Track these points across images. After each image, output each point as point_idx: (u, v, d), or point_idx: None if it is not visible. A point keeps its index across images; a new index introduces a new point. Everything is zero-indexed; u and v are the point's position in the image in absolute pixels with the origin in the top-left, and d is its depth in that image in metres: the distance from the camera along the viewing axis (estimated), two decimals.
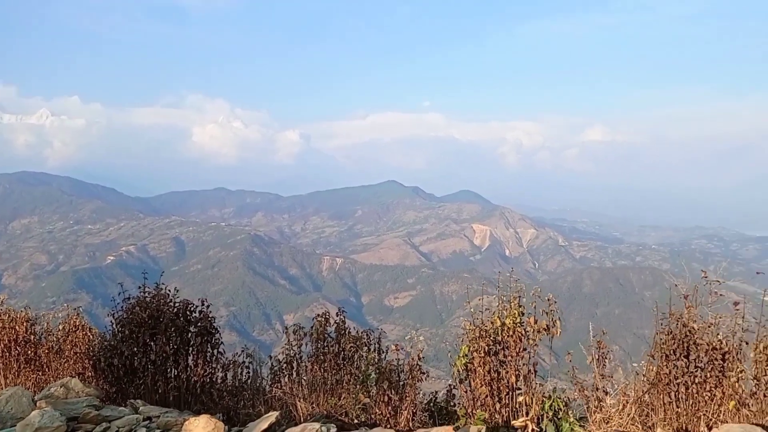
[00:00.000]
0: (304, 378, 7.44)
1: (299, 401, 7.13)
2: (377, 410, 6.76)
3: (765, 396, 6.19)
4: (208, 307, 7.88)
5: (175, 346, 7.69)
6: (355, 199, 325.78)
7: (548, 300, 6.83)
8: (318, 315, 7.43)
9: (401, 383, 6.89)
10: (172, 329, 7.69)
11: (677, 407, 6.37)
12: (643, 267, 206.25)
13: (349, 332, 7.37)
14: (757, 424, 5.93)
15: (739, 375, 6.17)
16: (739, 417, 6.11)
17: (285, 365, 7.62)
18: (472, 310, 7.06)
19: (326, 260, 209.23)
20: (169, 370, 7.70)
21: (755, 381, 6.32)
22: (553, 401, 6.64)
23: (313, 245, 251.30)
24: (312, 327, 7.52)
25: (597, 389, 6.86)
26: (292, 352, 7.60)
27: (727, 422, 6.14)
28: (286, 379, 7.57)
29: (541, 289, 7.10)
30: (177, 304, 7.84)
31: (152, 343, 7.69)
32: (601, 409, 6.79)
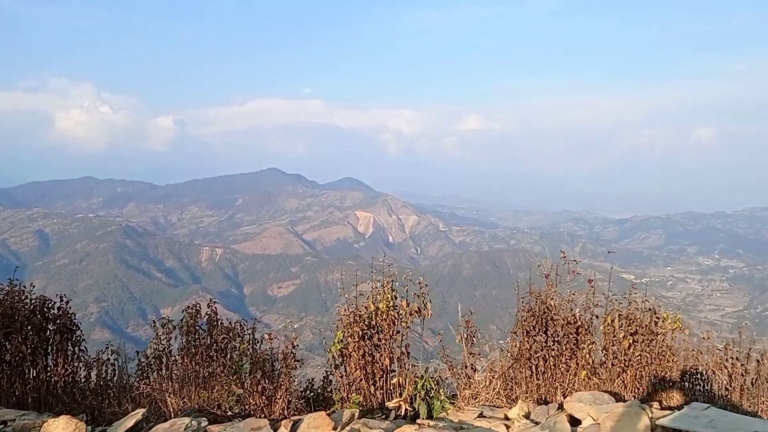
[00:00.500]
0: (175, 372, 7.23)
1: (169, 396, 6.92)
2: (251, 401, 6.70)
3: (613, 365, 6.78)
4: (67, 303, 7.44)
5: (33, 346, 7.22)
6: (235, 187, 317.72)
7: (419, 284, 7.04)
8: (188, 306, 7.22)
9: (276, 372, 6.87)
10: (29, 328, 7.21)
11: (537, 379, 6.82)
12: (517, 249, 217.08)
13: (222, 323, 7.24)
14: (605, 391, 6.48)
15: (590, 347, 6.70)
16: (590, 385, 6.65)
17: (153, 360, 7.36)
18: (347, 296, 7.16)
19: (205, 251, 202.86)
20: (26, 370, 7.25)
21: (604, 351, 6.89)
22: (425, 381, 6.89)
23: (191, 236, 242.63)
24: (182, 320, 7.30)
25: (466, 367, 7.20)
26: (161, 346, 7.35)
27: (580, 390, 6.66)
28: (156, 375, 7.32)
29: (412, 273, 7.31)
30: (33, 301, 7.35)
31: (7, 343, 7.18)
32: (469, 386, 7.13)
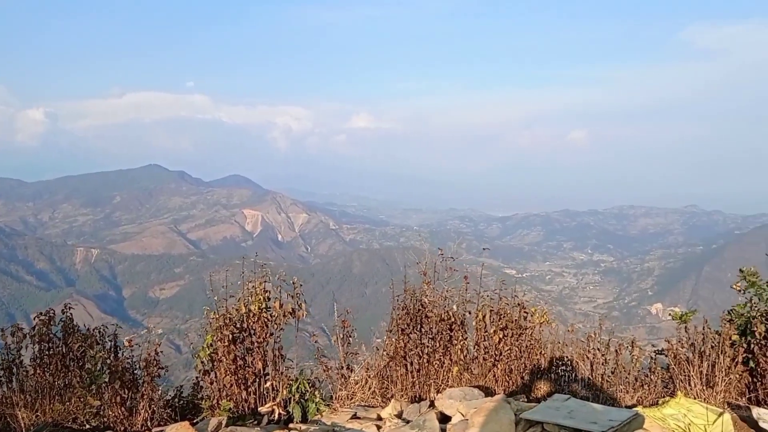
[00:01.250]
0: (27, 384, 6.64)
1: (20, 411, 6.35)
2: (110, 412, 6.26)
3: (484, 359, 6.94)
4: None
5: None
6: (113, 184, 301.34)
7: (294, 283, 6.88)
8: (40, 313, 6.64)
9: (139, 381, 6.46)
10: None
11: (412, 377, 6.85)
12: (406, 247, 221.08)
13: (78, 330, 6.71)
14: (477, 386, 6.62)
15: (462, 343, 6.82)
16: (462, 381, 6.77)
17: (2, 372, 6.72)
18: (216, 298, 6.87)
19: (80, 251, 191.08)
20: None
21: (476, 347, 7.04)
22: (300, 383, 6.74)
23: (63, 235, 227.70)
24: (33, 327, 6.71)
25: (342, 367, 7.11)
26: (10, 356, 6.72)
27: (454, 386, 6.76)
28: (5, 388, 6.69)
29: (295, 272, 7.13)
30: None
31: None
32: (346, 387, 7.05)
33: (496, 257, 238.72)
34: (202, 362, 6.71)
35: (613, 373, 7.15)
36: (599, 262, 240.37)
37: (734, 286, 7.22)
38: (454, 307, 7.23)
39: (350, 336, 7.16)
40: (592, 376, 7.19)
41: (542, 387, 6.97)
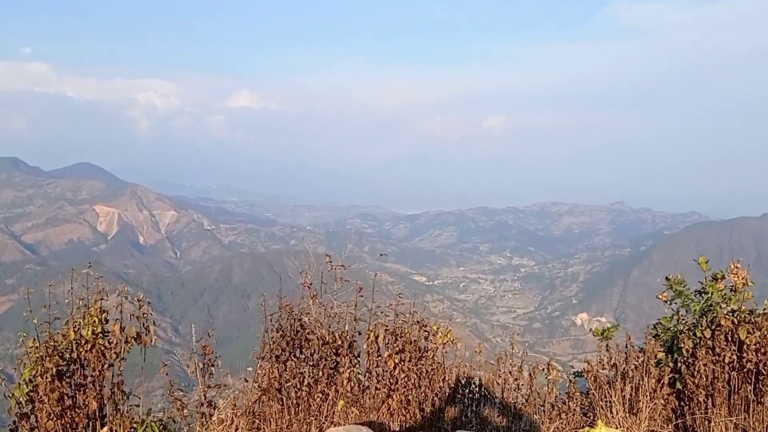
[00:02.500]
0: None
1: None
2: None
3: (377, 389, 6.82)
4: None
5: None
6: None
7: (138, 300, 6.48)
8: None
9: None
10: None
11: (289, 414, 6.62)
12: (298, 251, 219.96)
13: None
14: (366, 422, 6.48)
15: (351, 371, 6.67)
16: (350, 416, 6.61)
17: None
18: (36, 321, 6.36)
19: None
20: None
21: (368, 374, 6.91)
22: (147, 426, 6.37)
23: None
24: None
25: (202, 404, 6.79)
26: None
27: (340, 424, 6.60)
28: None
29: (129, 288, 6.71)
30: None
31: None
32: (207, 429, 6.74)
33: (404, 262, 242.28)
34: (18, 403, 6.21)
35: (527, 400, 7.24)
36: (519, 266, 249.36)
37: (660, 297, 7.50)
38: (346, 326, 7.09)
39: (213, 365, 6.84)
40: (503, 404, 7.24)
41: (446, 419, 6.94)
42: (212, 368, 6.87)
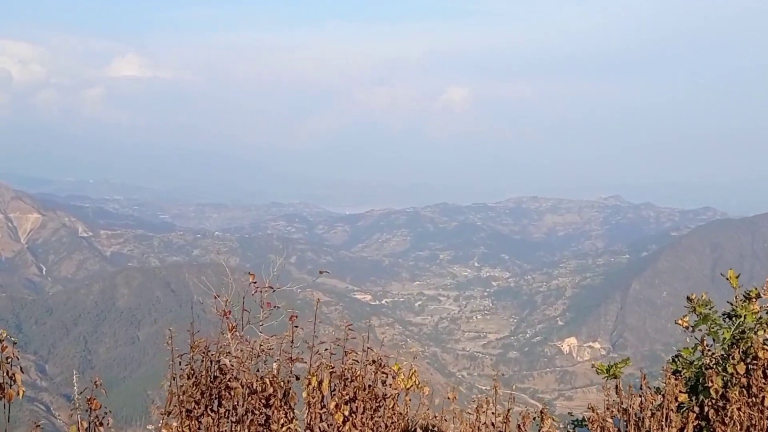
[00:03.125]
0: None
1: None
2: None
3: None
4: None
5: None
6: None
7: None
8: None
9: None
10: None
11: None
12: (204, 264, 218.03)
13: None
14: None
15: (287, 427, 6.58)
16: None
17: None
18: None
19: None
20: None
21: (308, 430, 6.82)
22: None
23: None
24: None
25: None
26: None
27: None
28: None
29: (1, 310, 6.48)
30: None
31: None
32: None
33: (343, 276, 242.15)
34: None
35: None
36: (490, 279, 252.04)
37: (680, 322, 7.56)
38: (274, 368, 7.00)
39: (100, 424, 6.65)
40: None
41: None
42: (100, 427, 6.69)
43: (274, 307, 7.46)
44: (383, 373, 7.03)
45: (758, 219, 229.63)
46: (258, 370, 6.91)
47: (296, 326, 7.15)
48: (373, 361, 7.02)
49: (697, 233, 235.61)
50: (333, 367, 6.99)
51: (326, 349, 7.08)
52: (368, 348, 7.10)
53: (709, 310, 7.48)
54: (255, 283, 7.52)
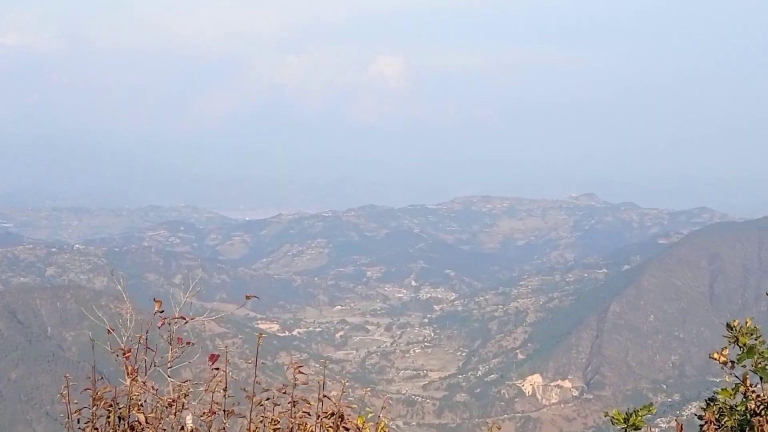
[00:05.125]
0: None
1: None
2: None
3: None
4: None
5: None
6: None
7: None
8: None
9: None
10: None
11: None
12: (60, 286, 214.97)
13: None
14: None
15: None
16: None
17: None
18: None
19: None
20: None
21: None
22: None
23: None
24: None
25: None
26: None
27: None
28: None
29: None
30: None
31: None
32: None
33: (241, 298, 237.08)
34: None
35: None
36: (431, 301, 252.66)
37: (717, 356, 7.57)
38: (188, 422, 6.93)
39: None
40: None
41: None
42: None
43: (187, 343, 7.36)
44: (345, 429, 6.97)
45: (766, 222, 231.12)
46: (181, 429, 6.81)
47: (216, 369, 7.08)
48: (332, 413, 6.95)
49: (690, 240, 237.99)
50: (276, 420, 6.92)
51: (268, 399, 7.02)
52: (324, 397, 7.04)
53: (755, 340, 7.51)
54: (161, 312, 7.40)
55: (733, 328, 7.64)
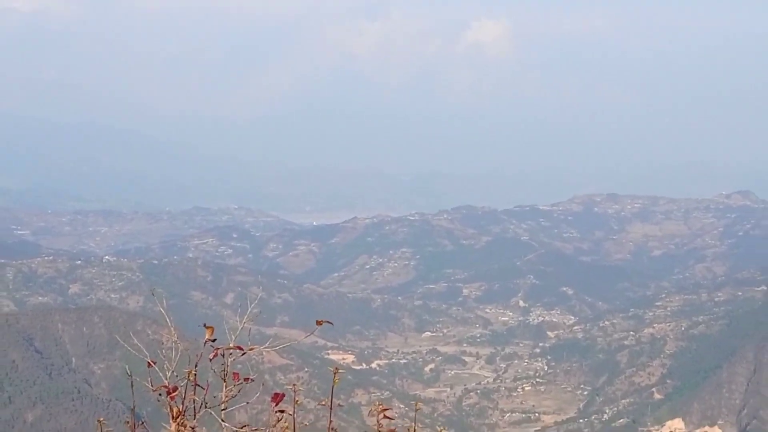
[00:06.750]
0: None
1: None
2: None
3: None
4: None
5: None
6: None
7: None
8: None
9: None
10: None
11: None
12: (86, 307, 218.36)
13: None
14: None
15: None
16: None
17: None
18: None
19: None
20: None
21: None
22: None
23: None
24: None
25: None
26: None
27: None
28: None
29: None
30: None
31: None
32: None
33: (307, 323, 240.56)
34: None
35: None
36: (544, 326, 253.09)
37: None
38: None
39: None
40: None
41: None
42: None
43: (245, 380, 7.11)
44: None
45: None
46: None
47: (280, 410, 6.87)
48: None
49: None
50: None
51: None
52: None
53: None
54: (213, 341, 7.16)
55: None
